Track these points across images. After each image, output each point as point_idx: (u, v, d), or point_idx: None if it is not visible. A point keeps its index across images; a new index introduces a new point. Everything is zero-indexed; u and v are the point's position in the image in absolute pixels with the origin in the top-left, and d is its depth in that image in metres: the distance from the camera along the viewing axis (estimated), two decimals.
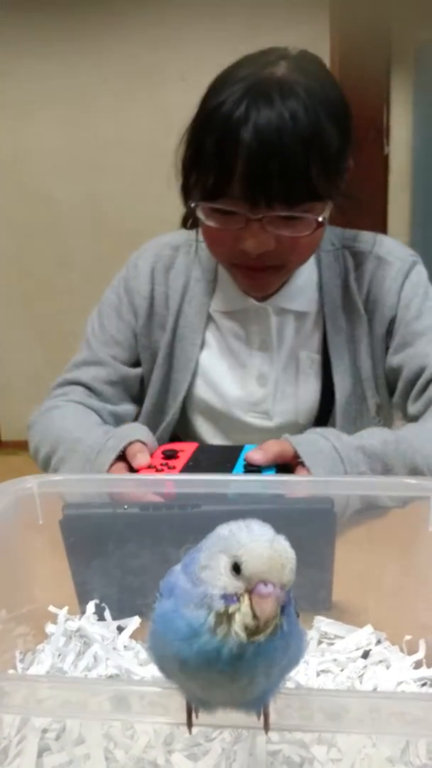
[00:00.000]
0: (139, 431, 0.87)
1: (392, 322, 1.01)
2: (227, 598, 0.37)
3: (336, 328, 1.02)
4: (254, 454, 0.80)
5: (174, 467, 0.81)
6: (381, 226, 2.79)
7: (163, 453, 0.84)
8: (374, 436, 0.86)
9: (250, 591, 0.36)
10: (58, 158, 2.97)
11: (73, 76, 2.87)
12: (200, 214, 0.91)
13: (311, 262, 1.02)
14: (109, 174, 2.94)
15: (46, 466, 0.96)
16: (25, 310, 3.18)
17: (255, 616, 0.36)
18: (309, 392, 1.04)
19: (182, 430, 1.11)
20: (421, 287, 1.02)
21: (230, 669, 0.37)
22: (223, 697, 0.40)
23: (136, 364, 1.08)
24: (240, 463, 0.81)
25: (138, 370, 1.08)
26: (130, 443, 0.84)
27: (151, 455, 0.84)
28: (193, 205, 0.90)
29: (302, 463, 0.80)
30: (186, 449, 0.86)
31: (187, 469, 0.81)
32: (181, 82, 2.71)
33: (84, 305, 3.53)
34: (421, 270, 1.04)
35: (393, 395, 1.03)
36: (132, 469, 0.82)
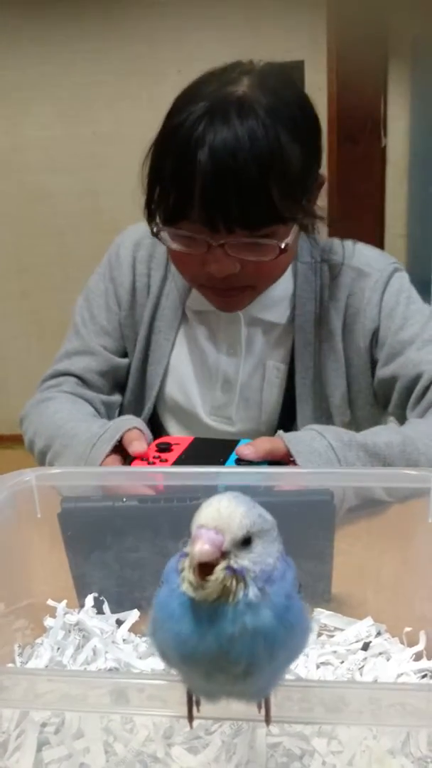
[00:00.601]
0: (134, 420, 0.89)
1: (375, 334, 0.99)
2: (184, 554, 0.38)
3: (304, 342, 1.01)
4: (245, 449, 0.80)
5: (167, 460, 0.82)
6: (378, 218, 2.79)
7: (156, 446, 0.85)
8: (380, 436, 0.85)
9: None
10: (56, 152, 2.96)
11: (70, 71, 2.86)
12: (164, 237, 0.89)
13: (288, 273, 1.00)
14: (106, 168, 2.93)
15: (42, 461, 0.96)
16: (22, 304, 3.17)
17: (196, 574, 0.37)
18: (273, 402, 1.04)
19: (155, 426, 1.10)
20: (402, 294, 1.00)
21: (221, 647, 0.37)
22: (225, 686, 0.39)
23: (125, 354, 1.08)
24: (232, 458, 0.81)
25: (126, 361, 1.08)
26: (128, 430, 0.86)
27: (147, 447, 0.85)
28: (155, 230, 0.88)
29: (295, 462, 0.79)
30: (181, 443, 0.86)
31: (180, 462, 0.81)
32: (178, 75, 2.70)
33: None
34: (401, 277, 1.02)
35: (387, 407, 1.01)
36: (127, 459, 0.83)
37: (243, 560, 0.37)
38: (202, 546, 0.36)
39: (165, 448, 0.85)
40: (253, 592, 0.37)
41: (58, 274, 3.09)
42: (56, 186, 3.00)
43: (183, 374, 1.06)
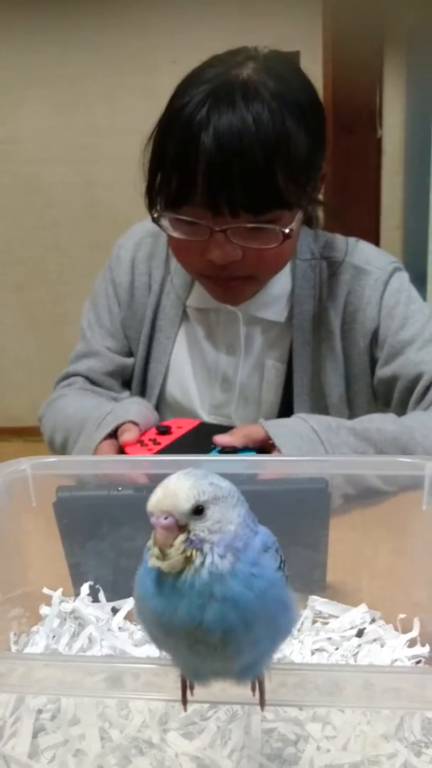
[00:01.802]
0: (133, 410, 0.90)
1: (375, 334, 0.98)
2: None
3: (302, 341, 1.00)
4: (221, 436, 0.81)
5: (160, 443, 0.83)
6: (374, 209, 2.79)
7: (157, 428, 0.87)
8: (373, 422, 0.85)
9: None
10: (50, 143, 2.95)
11: (64, 61, 2.85)
12: (165, 225, 0.88)
13: (286, 271, 0.99)
14: (102, 159, 2.92)
15: (64, 454, 0.97)
16: (17, 296, 3.17)
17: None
18: (272, 400, 1.03)
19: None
20: (402, 293, 0.99)
21: (191, 616, 0.38)
22: (209, 660, 0.40)
23: (130, 353, 1.09)
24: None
25: (132, 360, 1.08)
26: (122, 423, 0.87)
27: (147, 430, 0.87)
28: (156, 215, 0.87)
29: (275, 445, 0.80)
30: (184, 426, 0.88)
31: (171, 447, 0.83)
32: (173, 65, 2.69)
33: (76, 291, 3.52)
34: (401, 276, 1.01)
35: (388, 405, 1.00)
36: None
37: (199, 530, 0.38)
38: (158, 536, 0.38)
39: (164, 431, 0.86)
40: (211, 559, 0.38)
41: (54, 266, 3.09)
42: (51, 177, 2.99)
43: (183, 373, 1.06)
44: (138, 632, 0.69)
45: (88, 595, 0.71)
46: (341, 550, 0.69)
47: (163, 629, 0.40)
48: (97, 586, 0.72)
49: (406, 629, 0.67)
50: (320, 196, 0.92)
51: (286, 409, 1.03)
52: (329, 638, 0.67)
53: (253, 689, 0.43)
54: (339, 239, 1.02)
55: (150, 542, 0.39)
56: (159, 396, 1.07)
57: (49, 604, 0.71)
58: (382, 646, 0.66)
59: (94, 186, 2.98)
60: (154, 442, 0.84)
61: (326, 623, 0.69)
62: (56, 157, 2.97)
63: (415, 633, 0.67)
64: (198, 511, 0.38)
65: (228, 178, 0.79)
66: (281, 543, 0.44)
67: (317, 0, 2.63)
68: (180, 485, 0.38)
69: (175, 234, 0.87)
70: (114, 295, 1.07)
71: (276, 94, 0.80)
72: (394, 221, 2.87)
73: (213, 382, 1.05)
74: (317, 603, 0.70)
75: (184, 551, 0.38)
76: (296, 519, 0.68)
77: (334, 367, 1.00)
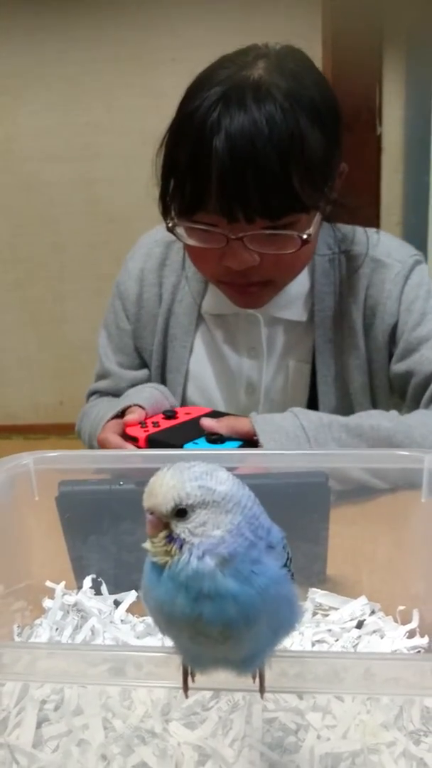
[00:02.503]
0: (145, 393, 0.94)
1: (394, 328, 0.97)
2: None
3: (325, 339, 0.99)
4: (208, 420, 0.83)
5: (158, 426, 0.86)
6: (374, 206, 2.79)
7: (164, 413, 0.90)
8: (370, 418, 0.85)
9: None
10: (50, 142, 2.95)
11: (63, 60, 2.85)
12: (180, 233, 0.87)
13: (305, 269, 0.97)
14: (101, 157, 2.92)
15: None
16: (17, 294, 3.17)
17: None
18: (298, 401, 1.02)
19: None
20: (422, 287, 0.97)
21: (191, 609, 0.39)
22: (210, 649, 0.41)
23: (143, 365, 1.09)
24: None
25: (146, 372, 1.08)
26: (130, 406, 0.91)
27: (155, 414, 0.91)
28: (170, 224, 0.86)
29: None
30: (192, 413, 0.89)
31: (168, 431, 0.85)
32: (172, 63, 2.69)
33: (77, 289, 3.53)
34: (422, 269, 0.99)
35: (404, 398, 1.00)
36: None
37: (180, 531, 0.39)
38: (147, 529, 0.40)
39: (171, 415, 0.89)
40: (187, 559, 0.39)
41: (54, 264, 3.09)
42: (50, 176, 3.00)
43: (204, 379, 1.05)
44: (140, 624, 0.69)
45: (91, 588, 0.72)
46: (341, 543, 0.70)
47: (165, 618, 0.41)
48: (99, 580, 0.73)
49: (405, 621, 0.68)
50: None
51: (312, 408, 1.01)
52: (329, 630, 0.68)
53: (254, 678, 0.44)
54: (359, 231, 1.00)
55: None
56: (181, 405, 1.05)
57: (52, 597, 0.71)
58: (381, 637, 0.67)
59: (94, 184, 2.98)
60: (155, 424, 0.87)
61: (326, 615, 0.70)
62: (56, 156, 2.97)
63: (414, 624, 0.67)
64: (180, 512, 0.39)
65: (242, 184, 0.78)
66: None
67: None
68: (163, 485, 0.39)
69: (191, 242, 0.86)
70: (122, 310, 1.07)
71: (288, 93, 0.78)
72: (394, 218, 2.87)
73: (237, 387, 1.04)
74: (317, 595, 0.71)
75: (164, 545, 0.39)
76: (296, 512, 0.68)
77: (358, 363, 0.99)
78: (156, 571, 0.40)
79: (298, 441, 0.80)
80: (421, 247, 2.59)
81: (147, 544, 0.40)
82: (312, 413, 0.85)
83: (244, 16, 2.66)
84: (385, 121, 2.79)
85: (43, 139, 2.95)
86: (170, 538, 0.39)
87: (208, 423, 0.82)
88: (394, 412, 0.91)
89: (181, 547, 0.39)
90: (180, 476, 0.39)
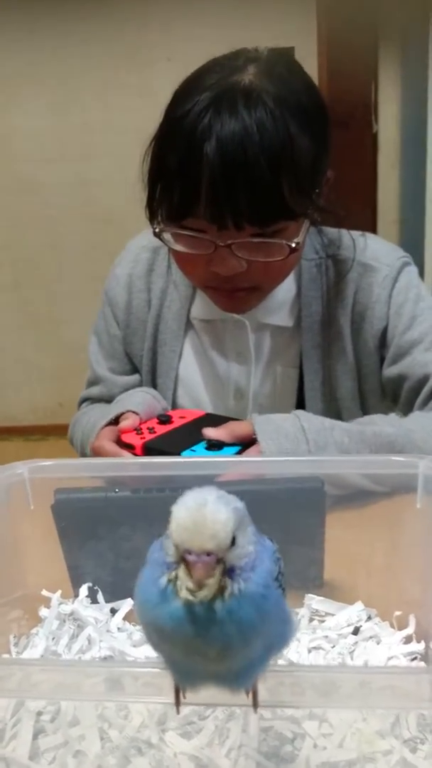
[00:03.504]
0: (137, 398, 0.94)
1: (384, 333, 0.97)
2: (169, 565, 0.39)
3: (312, 344, 0.99)
4: (210, 429, 0.83)
5: (155, 432, 0.86)
6: (370, 204, 2.79)
7: (158, 417, 0.90)
8: (373, 424, 0.85)
9: (183, 558, 0.38)
10: (46, 142, 2.95)
11: (58, 59, 2.85)
12: (167, 238, 0.86)
13: (291, 274, 0.96)
14: (97, 157, 2.92)
15: None
16: (14, 295, 3.17)
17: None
18: (286, 406, 1.02)
19: None
20: (411, 290, 0.97)
21: (198, 631, 0.38)
22: (205, 668, 0.40)
23: (135, 370, 1.09)
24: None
25: (137, 377, 1.08)
26: (123, 412, 0.90)
27: (149, 419, 0.90)
28: (157, 230, 0.86)
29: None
30: (187, 416, 0.90)
31: (164, 436, 0.85)
32: (168, 62, 2.69)
33: (74, 290, 3.53)
34: (410, 271, 0.99)
35: (396, 402, 1.00)
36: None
37: (233, 559, 0.38)
38: (198, 574, 0.37)
39: (165, 420, 0.89)
40: (239, 585, 0.38)
41: (51, 265, 3.09)
42: (46, 176, 3.00)
43: (193, 384, 1.05)
44: (137, 633, 0.69)
45: (87, 596, 0.72)
46: (337, 548, 0.70)
47: (160, 636, 0.40)
48: (95, 588, 0.73)
49: (401, 626, 0.68)
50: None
51: None
52: (326, 636, 0.67)
53: (247, 693, 0.44)
54: (344, 235, 0.99)
55: (176, 573, 0.38)
56: (172, 409, 1.05)
57: (48, 606, 0.71)
58: (378, 643, 0.67)
59: (89, 184, 2.98)
60: (150, 430, 0.86)
61: (323, 621, 0.70)
62: (51, 156, 2.97)
63: (410, 630, 0.67)
64: (232, 542, 0.38)
65: (232, 191, 0.77)
66: (278, 542, 0.45)
67: None
68: (214, 522, 0.37)
69: (178, 247, 0.86)
70: (112, 316, 1.07)
71: (278, 99, 0.78)
72: (390, 215, 2.87)
73: (226, 392, 1.04)
74: (314, 601, 0.71)
75: (219, 581, 0.38)
76: (292, 517, 0.68)
77: (345, 369, 0.99)
78: (157, 587, 0.39)
79: (297, 443, 0.80)
80: (418, 244, 2.59)
81: (189, 589, 0.37)
82: (315, 417, 0.84)
83: (239, 14, 2.66)
84: (381, 118, 2.79)
85: (38, 139, 2.95)
86: (224, 571, 0.38)
87: (210, 432, 0.82)
88: (394, 416, 0.90)
89: (233, 577, 0.38)
90: (217, 506, 0.37)
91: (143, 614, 0.41)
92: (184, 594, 0.38)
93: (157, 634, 0.40)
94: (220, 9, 2.67)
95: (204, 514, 0.37)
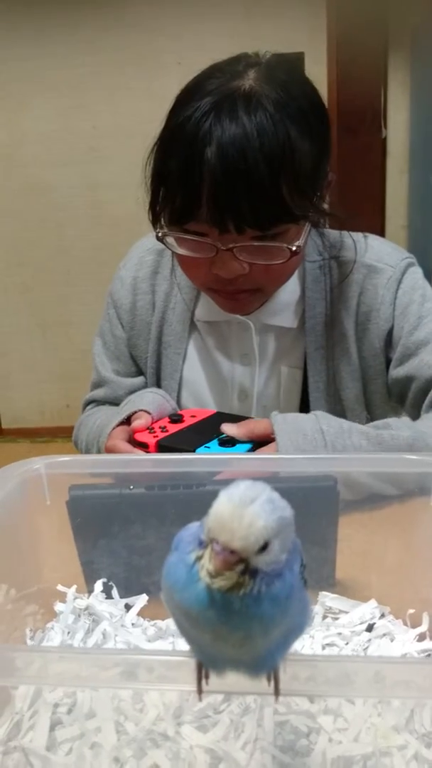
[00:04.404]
0: (147, 398, 0.94)
1: (390, 334, 0.97)
2: (201, 543, 0.39)
3: (316, 345, 0.99)
4: (228, 426, 0.83)
5: (167, 431, 0.86)
6: (378, 209, 2.80)
7: (170, 417, 0.90)
8: (387, 428, 0.85)
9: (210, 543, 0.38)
10: (55, 146, 2.97)
11: (68, 64, 2.86)
12: (169, 242, 0.87)
13: (294, 275, 0.97)
14: (106, 161, 2.93)
15: None
16: (23, 298, 3.19)
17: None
18: (290, 407, 1.02)
19: None
20: (417, 291, 0.97)
21: (220, 617, 0.38)
22: (228, 652, 0.41)
23: (139, 372, 1.09)
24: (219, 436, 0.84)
25: (142, 379, 1.09)
26: (135, 411, 0.91)
27: (161, 418, 0.91)
28: (160, 234, 0.87)
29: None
30: (198, 415, 0.90)
31: (177, 435, 0.86)
32: (178, 66, 2.70)
33: (82, 293, 3.55)
34: (415, 272, 0.99)
35: (403, 404, 1.00)
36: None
37: (259, 563, 0.38)
38: (218, 565, 0.37)
39: (177, 419, 0.89)
40: (259, 587, 0.38)
41: (59, 268, 3.11)
42: (56, 179, 3.01)
43: (198, 386, 1.06)
44: (151, 628, 0.70)
45: (102, 591, 0.72)
46: (350, 546, 0.70)
47: (188, 618, 0.40)
48: (110, 583, 0.73)
49: (415, 624, 0.68)
50: (326, 205, 0.90)
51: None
52: (339, 633, 0.68)
53: (269, 679, 0.44)
54: (346, 237, 0.99)
55: (201, 553, 0.39)
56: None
57: (63, 601, 0.72)
58: (391, 640, 0.67)
59: (98, 188, 2.99)
60: (163, 429, 0.87)
61: (336, 618, 0.70)
62: (60, 160, 2.98)
63: (424, 627, 0.67)
64: (263, 547, 0.37)
65: (233, 195, 0.78)
66: None
67: (321, 1, 2.65)
68: (250, 525, 0.37)
69: (180, 251, 0.87)
70: (116, 318, 1.07)
71: (278, 103, 0.79)
72: (399, 220, 2.88)
73: (230, 393, 1.04)
74: (327, 599, 0.71)
75: (238, 577, 0.38)
76: (305, 516, 0.68)
77: (350, 370, 0.99)
78: (187, 570, 0.39)
79: (315, 444, 0.80)
80: (426, 248, 2.60)
81: (208, 572, 0.38)
82: (333, 418, 0.85)
83: (249, 20, 2.67)
84: (389, 124, 2.80)
85: (48, 143, 2.96)
86: (244, 571, 0.38)
87: (228, 429, 0.82)
88: (407, 419, 0.91)
89: (255, 578, 0.38)
90: (261, 510, 0.37)
91: (171, 597, 0.41)
92: (203, 575, 0.38)
93: (184, 618, 0.41)
94: (229, 14, 2.69)
95: (242, 514, 0.37)
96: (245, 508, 0.37)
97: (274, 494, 0.39)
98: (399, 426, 0.87)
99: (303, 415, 0.85)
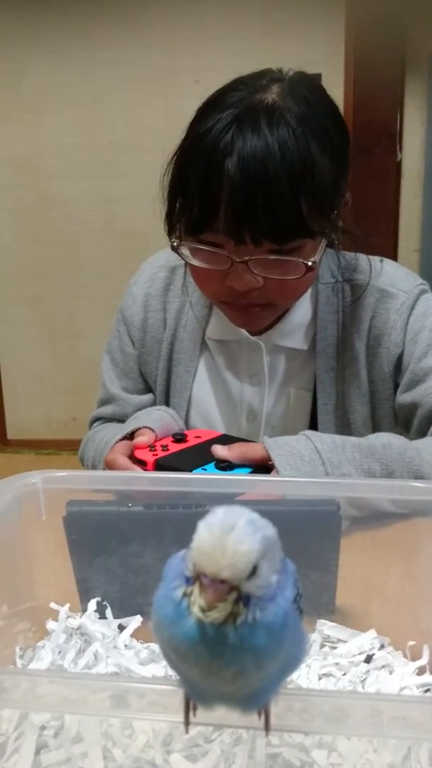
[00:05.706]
0: (154, 416, 0.93)
1: (400, 360, 0.97)
2: (188, 580, 0.38)
3: (326, 368, 0.98)
4: (219, 448, 0.82)
5: (167, 450, 0.85)
6: (392, 233, 2.79)
7: (173, 436, 0.89)
8: (379, 438, 0.85)
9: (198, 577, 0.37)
10: (72, 160, 2.98)
11: (87, 79, 2.88)
12: (184, 252, 0.87)
13: (307, 297, 0.97)
14: (122, 176, 2.94)
15: None
16: (33, 309, 3.19)
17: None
18: (299, 429, 0.99)
19: None
20: (428, 318, 0.97)
21: (212, 652, 0.37)
22: (218, 688, 0.39)
23: (148, 389, 1.08)
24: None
25: (151, 396, 1.08)
26: (139, 428, 0.90)
27: (165, 437, 0.90)
28: (175, 244, 0.86)
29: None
30: (202, 436, 0.89)
31: (176, 455, 0.84)
32: (195, 84, 2.72)
33: (94, 307, 3.56)
34: (428, 299, 0.99)
35: (409, 429, 0.99)
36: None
37: (250, 588, 0.37)
38: (209, 598, 0.36)
39: (180, 439, 0.88)
40: (253, 615, 0.37)
41: (71, 281, 3.11)
42: (71, 193, 3.02)
43: (206, 405, 1.05)
44: (144, 651, 0.68)
45: (95, 611, 0.71)
46: (351, 573, 0.69)
47: (177, 654, 0.39)
48: (104, 603, 0.72)
49: (415, 656, 0.66)
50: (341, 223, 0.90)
51: None
52: (337, 663, 0.66)
53: (259, 714, 0.42)
54: (362, 260, 0.99)
55: (189, 590, 0.38)
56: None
57: (56, 619, 0.70)
58: (390, 673, 0.65)
59: (113, 202, 3.00)
60: (164, 448, 0.86)
61: (334, 648, 0.68)
62: (77, 174, 3.00)
63: (424, 661, 0.66)
64: (252, 572, 0.37)
65: (251, 207, 0.78)
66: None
67: (339, 23, 2.66)
68: (235, 551, 0.36)
69: (195, 262, 0.87)
70: (127, 334, 1.06)
71: (301, 119, 0.79)
72: (412, 244, 2.87)
73: (239, 413, 1.04)
74: (326, 627, 0.69)
75: (233, 608, 0.37)
76: (306, 541, 0.67)
77: (359, 393, 0.99)
78: (174, 605, 0.38)
79: (313, 464, 0.79)
80: None
81: (200, 607, 0.37)
82: (323, 435, 0.84)
83: (267, 40, 2.69)
84: (405, 147, 2.80)
85: (64, 157, 2.98)
86: (238, 599, 0.37)
87: (219, 451, 0.82)
88: (396, 436, 0.90)
89: (248, 605, 0.37)
90: (243, 535, 0.36)
91: (160, 631, 0.40)
92: (195, 611, 0.37)
93: (174, 653, 0.39)
94: (248, 34, 2.70)
95: (225, 543, 0.36)
96: (227, 535, 0.36)
97: (253, 515, 0.38)
98: (390, 436, 0.86)
99: (292, 437, 0.84)
